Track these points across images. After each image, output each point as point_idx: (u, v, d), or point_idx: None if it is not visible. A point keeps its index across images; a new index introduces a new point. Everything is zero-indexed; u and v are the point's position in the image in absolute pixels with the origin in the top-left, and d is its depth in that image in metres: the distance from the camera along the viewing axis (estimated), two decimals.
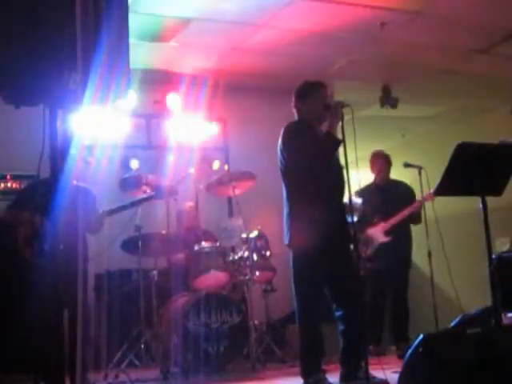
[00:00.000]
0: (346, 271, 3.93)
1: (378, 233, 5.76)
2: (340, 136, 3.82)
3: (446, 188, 3.44)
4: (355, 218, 4.07)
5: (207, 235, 5.81)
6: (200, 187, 5.65)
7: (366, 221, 5.89)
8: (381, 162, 5.97)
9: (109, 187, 5.25)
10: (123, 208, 4.92)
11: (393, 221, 5.72)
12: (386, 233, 5.74)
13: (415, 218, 5.70)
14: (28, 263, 4.01)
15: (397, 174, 6.09)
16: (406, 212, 5.67)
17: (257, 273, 5.41)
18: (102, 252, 5.15)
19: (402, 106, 7.55)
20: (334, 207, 3.97)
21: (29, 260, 4.04)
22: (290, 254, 4.02)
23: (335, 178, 3.99)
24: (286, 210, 4.03)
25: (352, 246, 3.95)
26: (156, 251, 5.34)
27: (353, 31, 6.00)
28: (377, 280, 5.84)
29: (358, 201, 5.39)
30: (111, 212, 4.84)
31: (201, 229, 5.90)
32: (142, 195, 5.26)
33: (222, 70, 6.75)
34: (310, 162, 3.88)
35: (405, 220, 5.72)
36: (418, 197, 5.70)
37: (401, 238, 5.78)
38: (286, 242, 4.00)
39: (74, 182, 4.33)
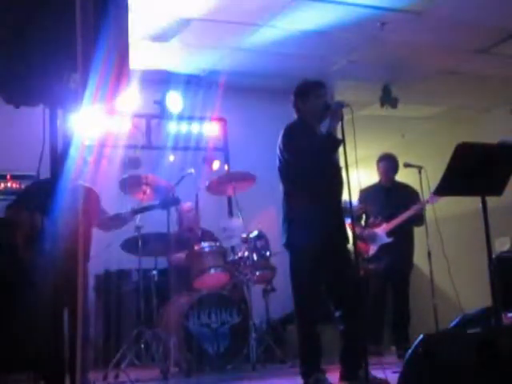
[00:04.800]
0: (344, 272, 3.93)
1: (380, 233, 5.77)
2: (340, 136, 3.82)
3: (446, 188, 3.44)
4: (350, 219, 4.08)
5: (208, 235, 5.81)
6: (200, 187, 5.65)
7: (367, 219, 5.91)
8: (385, 164, 5.96)
9: (109, 187, 5.25)
10: (123, 215, 4.91)
11: (395, 222, 5.72)
12: (389, 233, 5.75)
13: (418, 219, 5.71)
14: (27, 263, 4.01)
15: (397, 174, 6.09)
16: (408, 213, 5.68)
17: (257, 273, 5.41)
18: (102, 252, 5.15)
19: (402, 106, 7.55)
20: (332, 208, 3.96)
21: (28, 260, 4.04)
22: (288, 255, 4.02)
23: (334, 179, 3.98)
24: (283, 210, 4.03)
25: (351, 247, 3.95)
26: (156, 251, 5.34)
27: (353, 31, 6.00)
28: (378, 280, 5.85)
29: (354, 202, 5.41)
30: (113, 218, 4.84)
31: (201, 229, 5.90)
32: (141, 196, 5.26)
33: (222, 70, 6.75)
34: (310, 162, 3.88)
35: (407, 221, 5.73)
36: (422, 199, 5.71)
37: (403, 238, 5.78)
38: (284, 242, 4.00)
39: (80, 182, 4.34)
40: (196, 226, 5.86)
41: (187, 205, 5.79)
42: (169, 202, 5.16)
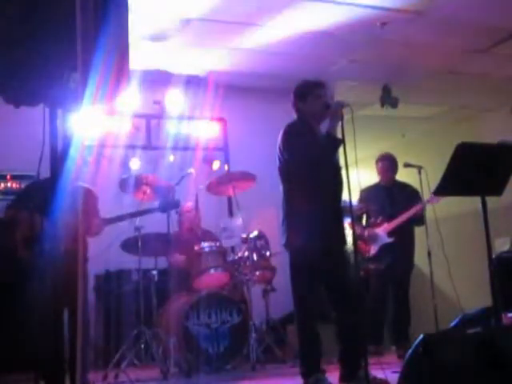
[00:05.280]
0: (344, 272, 3.93)
1: (381, 233, 5.77)
2: (340, 136, 3.82)
3: (446, 188, 3.44)
4: (350, 219, 4.08)
5: (208, 235, 5.81)
6: (200, 187, 5.65)
7: (368, 219, 5.91)
8: (384, 165, 5.97)
9: (109, 187, 5.25)
10: (122, 218, 4.92)
11: (396, 221, 5.72)
12: (390, 233, 5.75)
13: (418, 219, 5.71)
14: (26, 263, 4.01)
15: (397, 174, 6.09)
16: (409, 213, 5.68)
17: (257, 273, 5.41)
18: (102, 252, 5.15)
19: (402, 106, 7.54)
20: (332, 208, 3.96)
21: (27, 260, 4.04)
22: (288, 255, 4.02)
23: (333, 179, 3.98)
24: (283, 211, 4.03)
25: (351, 247, 3.95)
26: (156, 251, 5.34)
27: (353, 31, 6.00)
28: (379, 280, 5.85)
29: (354, 202, 5.41)
30: (110, 221, 4.84)
31: (201, 229, 5.90)
32: (141, 196, 5.26)
33: (222, 70, 6.75)
34: (310, 162, 3.87)
35: (408, 221, 5.73)
36: (423, 199, 5.71)
37: (404, 238, 5.78)
38: (283, 242, 4.00)
39: (80, 183, 4.34)
40: (196, 226, 5.86)
41: (188, 205, 5.79)
42: (169, 205, 5.16)
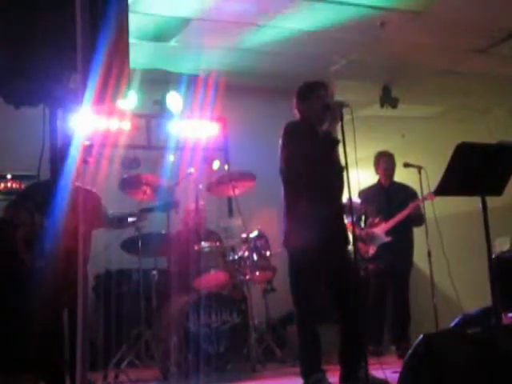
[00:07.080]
0: (344, 272, 3.93)
1: (379, 233, 5.77)
2: (340, 136, 3.82)
3: (446, 188, 3.44)
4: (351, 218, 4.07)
5: (211, 235, 5.80)
6: (200, 187, 5.65)
7: (367, 220, 5.91)
8: (387, 160, 5.97)
9: (109, 187, 5.25)
10: (124, 222, 4.96)
11: (394, 220, 5.72)
12: (388, 233, 5.75)
13: (417, 219, 5.71)
14: (26, 264, 4.01)
15: (397, 174, 6.09)
16: (406, 212, 5.68)
17: (257, 273, 5.41)
18: (102, 252, 5.15)
19: (402, 106, 7.55)
20: (332, 207, 3.96)
21: (27, 261, 4.04)
22: (287, 254, 4.02)
23: (334, 179, 3.97)
24: (283, 210, 4.03)
25: (351, 247, 3.95)
26: (156, 251, 5.34)
27: (353, 31, 6.00)
28: (378, 280, 5.85)
29: (356, 201, 5.41)
30: (112, 225, 4.88)
31: (205, 229, 5.88)
32: (141, 196, 5.26)
33: (222, 70, 6.75)
34: (309, 161, 3.87)
35: (406, 220, 5.72)
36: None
37: (402, 238, 5.79)
38: (283, 241, 4.00)
39: (79, 184, 4.34)
40: (200, 226, 5.84)
41: (191, 205, 5.78)
42: (168, 205, 5.16)
